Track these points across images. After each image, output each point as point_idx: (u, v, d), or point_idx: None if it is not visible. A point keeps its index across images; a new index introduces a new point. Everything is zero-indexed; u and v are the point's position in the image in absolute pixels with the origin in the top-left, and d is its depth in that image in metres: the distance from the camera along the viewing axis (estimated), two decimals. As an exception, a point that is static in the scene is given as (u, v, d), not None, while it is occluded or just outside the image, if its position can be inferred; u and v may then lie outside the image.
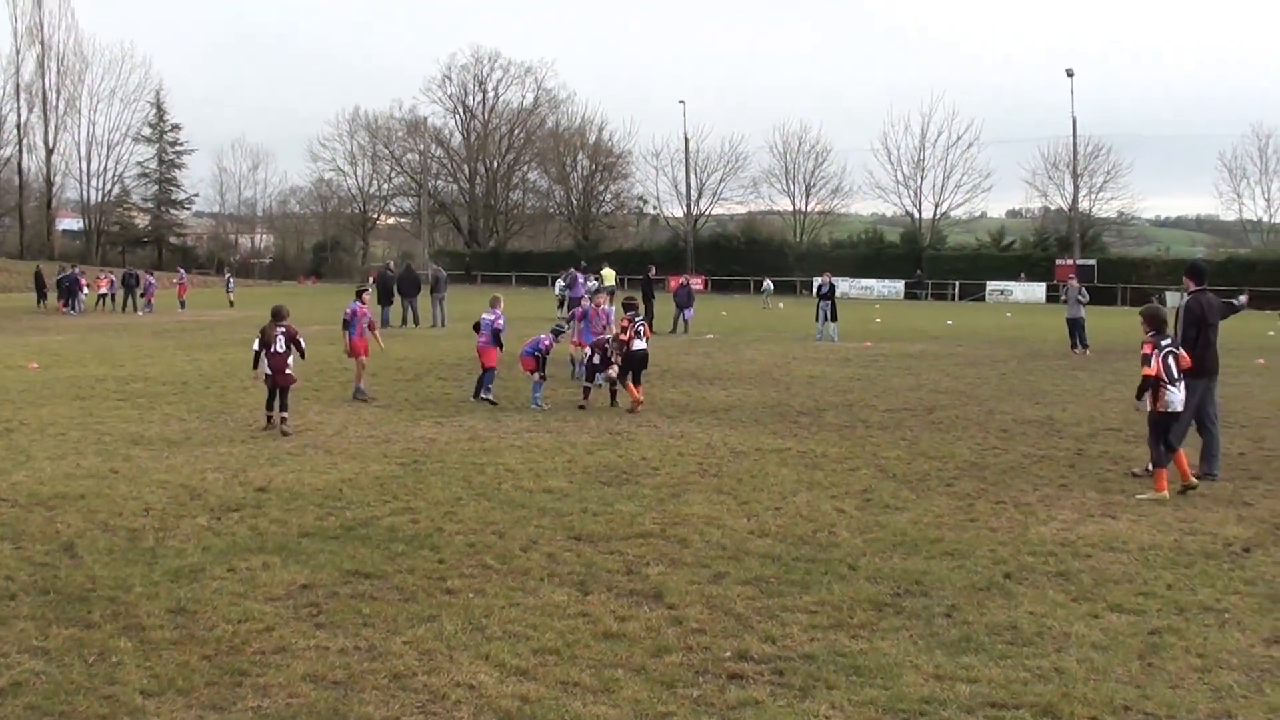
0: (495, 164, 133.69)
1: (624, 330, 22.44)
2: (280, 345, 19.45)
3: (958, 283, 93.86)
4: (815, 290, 45.63)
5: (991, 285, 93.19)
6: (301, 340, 20.16)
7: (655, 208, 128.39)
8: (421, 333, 44.03)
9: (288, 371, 19.44)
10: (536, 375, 22.85)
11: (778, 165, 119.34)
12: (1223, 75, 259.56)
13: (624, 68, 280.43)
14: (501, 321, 24.49)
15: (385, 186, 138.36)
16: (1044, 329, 48.92)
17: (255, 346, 19.82)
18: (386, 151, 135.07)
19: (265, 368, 19.38)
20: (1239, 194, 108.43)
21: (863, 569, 10.93)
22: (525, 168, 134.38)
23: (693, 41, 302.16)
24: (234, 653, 8.48)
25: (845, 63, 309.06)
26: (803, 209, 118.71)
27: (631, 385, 22.31)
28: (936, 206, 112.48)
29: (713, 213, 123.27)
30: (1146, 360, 15.02)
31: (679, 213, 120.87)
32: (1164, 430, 14.90)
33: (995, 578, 10.71)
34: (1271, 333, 47.04)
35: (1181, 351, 15.21)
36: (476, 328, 24.43)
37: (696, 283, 73.62)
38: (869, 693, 7.82)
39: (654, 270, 47.82)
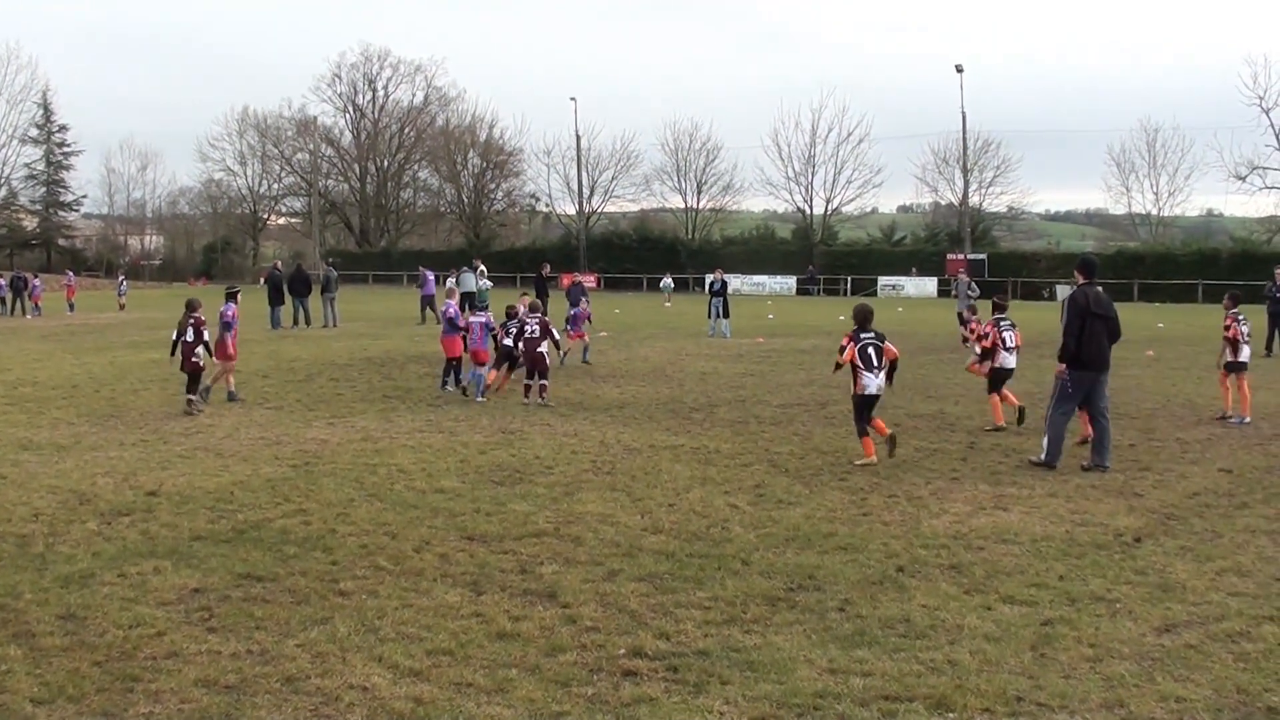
0: (386, 163, 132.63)
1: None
2: (190, 335, 21.50)
3: (850, 278, 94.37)
4: (707, 287, 45.70)
5: (883, 280, 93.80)
6: (205, 332, 21.77)
7: (547, 205, 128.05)
8: (313, 333, 43.63)
9: (194, 359, 21.44)
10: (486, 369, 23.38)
11: (669, 163, 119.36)
12: (1112, 72, 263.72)
13: (514, 65, 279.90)
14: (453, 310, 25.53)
15: (275, 186, 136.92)
16: (935, 323, 49.37)
17: (174, 336, 21.89)
18: (276, 151, 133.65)
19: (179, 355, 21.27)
20: (1128, 188, 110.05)
21: (756, 564, 10.99)
22: (416, 166, 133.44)
23: (583, 39, 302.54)
24: (125, 659, 8.37)
25: (735, 60, 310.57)
26: (695, 206, 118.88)
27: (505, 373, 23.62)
28: (828, 202, 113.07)
29: (605, 210, 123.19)
30: (841, 349, 16.88)
31: (571, 210, 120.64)
32: (862, 410, 16.66)
33: (888, 571, 10.81)
34: (1161, 325, 47.80)
35: (887, 344, 16.79)
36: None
37: (590, 281, 73.59)
38: (763, 688, 7.86)
39: (548, 268, 47.66)
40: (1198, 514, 13.35)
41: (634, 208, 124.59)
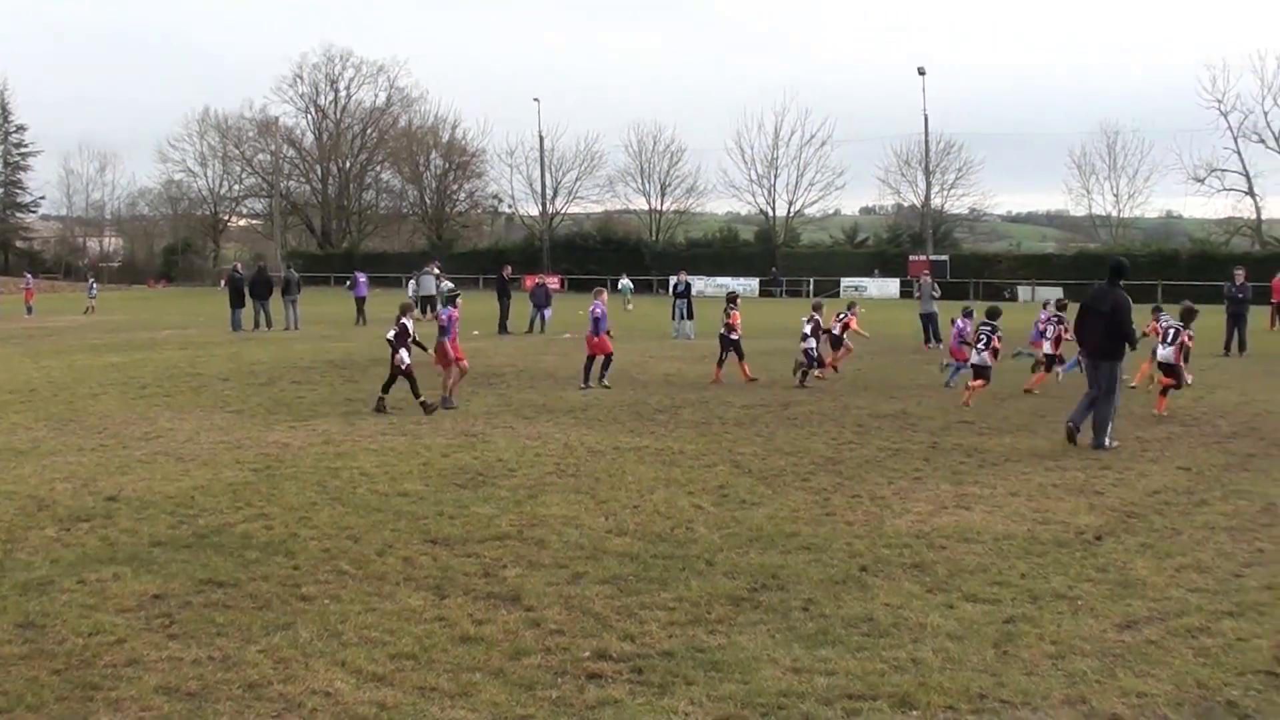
0: (348, 164, 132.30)
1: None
2: (391, 335, 22.23)
3: (812, 280, 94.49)
4: (671, 289, 45.75)
5: (846, 282, 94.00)
6: (400, 334, 22.17)
7: (510, 207, 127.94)
8: (274, 336, 43.46)
9: (396, 360, 21.99)
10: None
11: (633, 164, 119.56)
12: (1073, 75, 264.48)
13: (477, 65, 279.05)
14: (600, 310, 26.35)
15: (236, 188, 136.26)
16: (898, 324, 49.48)
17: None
18: (237, 152, 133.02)
19: None
20: (1088, 190, 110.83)
21: (720, 565, 11.00)
22: (378, 167, 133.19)
23: (546, 40, 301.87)
24: (85, 666, 8.30)
25: (698, 62, 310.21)
26: (658, 208, 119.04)
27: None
28: (790, 204, 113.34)
29: (569, 212, 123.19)
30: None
31: (534, 212, 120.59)
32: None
33: (851, 570, 10.83)
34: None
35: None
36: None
37: (553, 282, 73.53)
38: (727, 688, 7.86)
39: (509, 270, 47.67)
40: (1158, 511, 13.43)
41: (598, 209, 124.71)
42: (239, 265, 55.65)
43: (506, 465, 16.22)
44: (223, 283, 46.03)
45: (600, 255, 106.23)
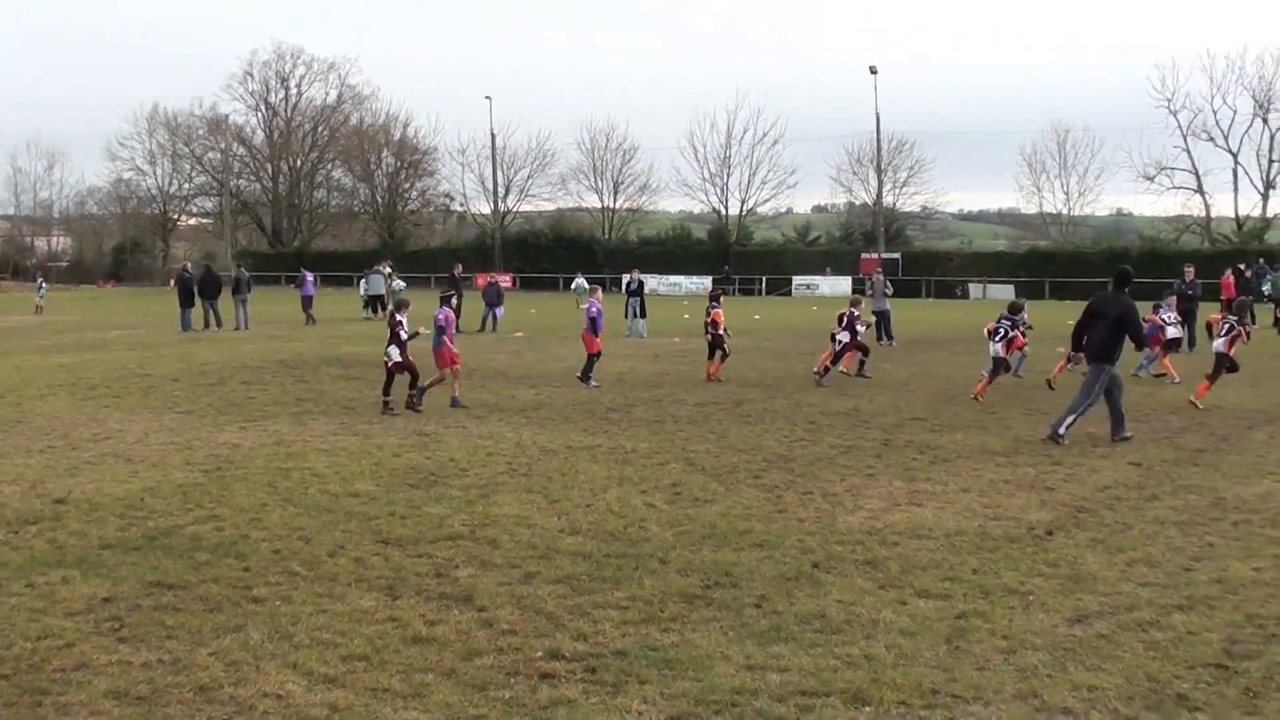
0: (299, 162, 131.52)
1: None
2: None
3: (764, 278, 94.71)
4: (624, 287, 45.71)
5: (798, 280, 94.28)
6: (399, 333, 22.07)
7: (462, 205, 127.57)
8: (224, 335, 43.18)
9: (386, 359, 22.02)
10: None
11: (585, 162, 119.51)
12: (1024, 74, 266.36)
13: (428, 63, 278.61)
14: (596, 309, 26.60)
15: (186, 186, 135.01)
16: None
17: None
18: (187, 150, 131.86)
19: None
20: (1039, 188, 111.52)
21: (673, 562, 11.00)
22: (329, 166, 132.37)
23: (498, 37, 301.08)
24: (34, 671, 8.22)
25: (651, 61, 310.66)
26: (611, 206, 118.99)
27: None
28: (743, 203, 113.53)
29: (521, 210, 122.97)
30: None
31: (486, 210, 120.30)
32: None
33: (804, 567, 10.86)
34: (1071, 322, 48.18)
35: None
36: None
37: (505, 281, 73.45)
38: (681, 685, 7.87)
39: (460, 268, 47.51)
40: (1108, 506, 13.53)
41: (550, 207, 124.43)
42: (188, 265, 55.22)
43: (459, 465, 16.18)
44: (172, 282, 45.74)
45: (553, 253, 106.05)
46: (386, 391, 21.79)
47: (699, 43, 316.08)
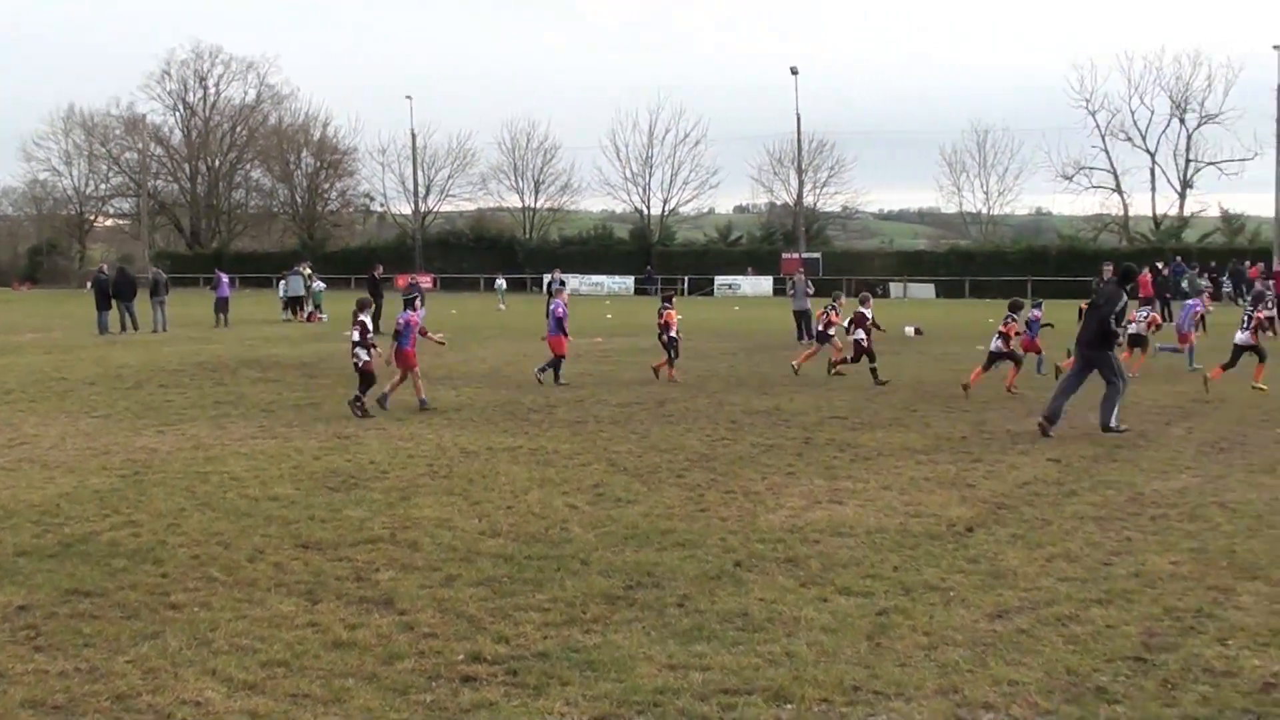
0: (217, 162, 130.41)
1: None
2: (355, 335, 21.66)
3: (686, 278, 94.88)
4: (545, 287, 45.68)
5: (720, 280, 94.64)
6: (362, 334, 21.65)
7: (382, 205, 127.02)
8: (142, 338, 42.75)
9: (353, 359, 21.66)
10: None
11: (506, 162, 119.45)
12: (945, 75, 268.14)
13: (348, 62, 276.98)
14: (562, 310, 26.94)
15: (103, 187, 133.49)
16: (771, 321, 49.84)
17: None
18: (104, 150, 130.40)
19: None
20: (959, 188, 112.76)
21: (595, 564, 10.97)
22: (248, 166, 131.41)
23: (418, 35, 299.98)
24: (-55, 681, 8.08)
25: (573, 61, 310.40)
26: (532, 205, 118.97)
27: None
28: (665, 203, 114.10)
29: (441, 210, 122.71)
30: None
31: (407, 210, 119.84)
32: None
33: (726, 566, 10.86)
34: (991, 320, 48.49)
35: None
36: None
37: (425, 281, 73.12)
38: (603, 686, 7.84)
39: (381, 269, 47.23)
40: (1028, 503, 13.65)
41: (471, 207, 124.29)
42: (104, 266, 54.57)
43: (379, 467, 16.07)
44: (89, 285, 45.14)
45: (473, 253, 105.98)
46: (363, 392, 21.57)
47: (621, 41, 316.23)
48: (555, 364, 26.46)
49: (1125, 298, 19.39)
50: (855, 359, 26.89)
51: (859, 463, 16.33)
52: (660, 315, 27.77)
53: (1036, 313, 28.03)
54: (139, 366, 31.01)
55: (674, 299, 28.88)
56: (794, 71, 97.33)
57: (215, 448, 17.73)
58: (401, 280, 63.84)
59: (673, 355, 27.47)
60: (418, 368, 22.91)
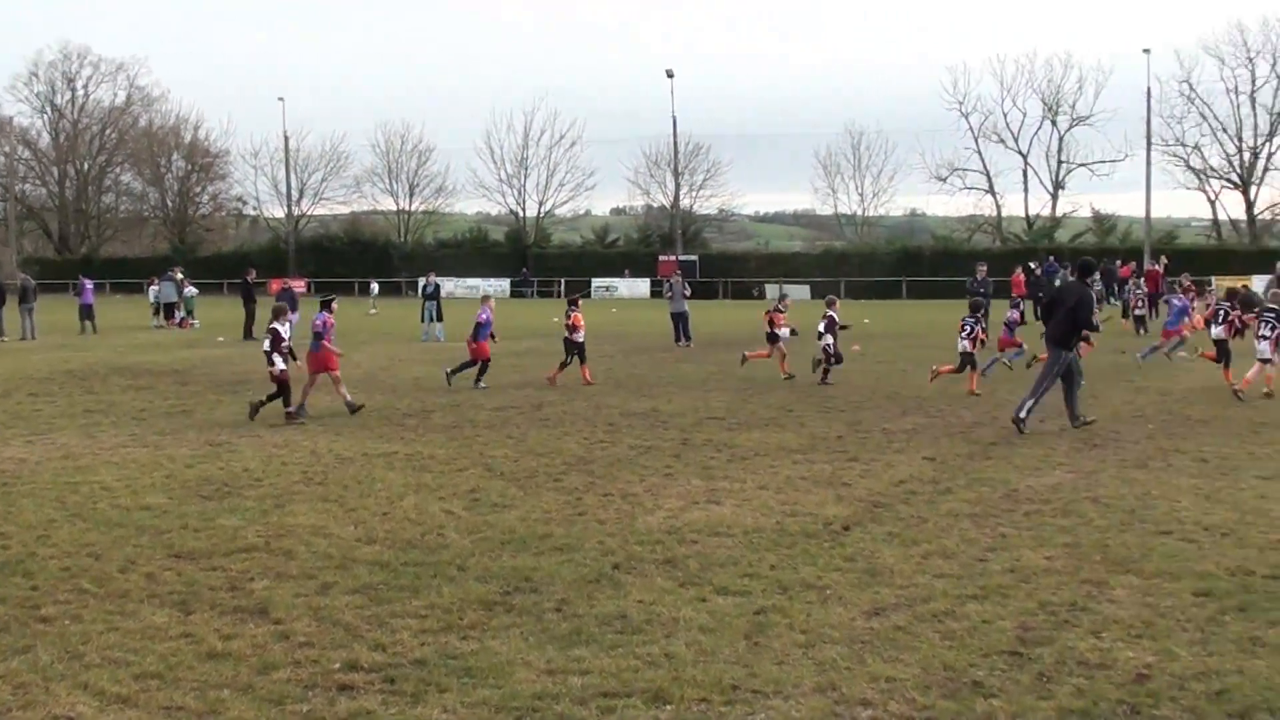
0: (86, 166, 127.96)
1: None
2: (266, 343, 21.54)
3: (563, 280, 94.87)
4: (420, 290, 45.42)
5: (597, 282, 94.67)
6: (274, 340, 21.54)
7: (255, 209, 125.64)
8: (9, 346, 41.87)
9: (269, 367, 21.48)
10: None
11: (380, 164, 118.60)
12: (820, 77, 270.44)
13: (220, 64, 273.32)
14: (486, 316, 26.83)
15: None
16: (648, 323, 49.92)
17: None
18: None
19: None
20: (834, 189, 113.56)
21: (472, 569, 10.92)
22: (118, 169, 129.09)
23: (289, 39, 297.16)
24: None
25: (446, 62, 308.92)
26: (407, 208, 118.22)
27: None
28: (540, 205, 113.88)
29: (315, 213, 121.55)
30: None
31: (280, 213, 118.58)
32: None
33: (604, 569, 10.86)
34: (867, 320, 49.07)
35: None
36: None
37: (299, 285, 72.32)
38: (481, 693, 7.81)
39: (254, 273, 46.73)
40: (904, 501, 13.79)
41: (344, 210, 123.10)
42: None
43: (253, 475, 15.89)
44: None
45: (347, 257, 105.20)
46: (287, 403, 21.39)
47: (497, 42, 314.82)
48: (470, 365, 26.64)
49: (1091, 291, 20.13)
50: (828, 363, 26.91)
51: (736, 463, 16.41)
52: (568, 317, 27.64)
53: (1014, 314, 29.28)
54: (7, 375, 30.39)
55: (580, 301, 28.72)
56: (670, 74, 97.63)
57: (86, 457, 17.42)
58: (275, 284, 63.01)
59: (580, 358, 27.48)
60: (337, 370, 22.74)
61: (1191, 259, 69.90)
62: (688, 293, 40.17)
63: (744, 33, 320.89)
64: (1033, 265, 54.34)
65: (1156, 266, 52.98)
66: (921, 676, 8.02)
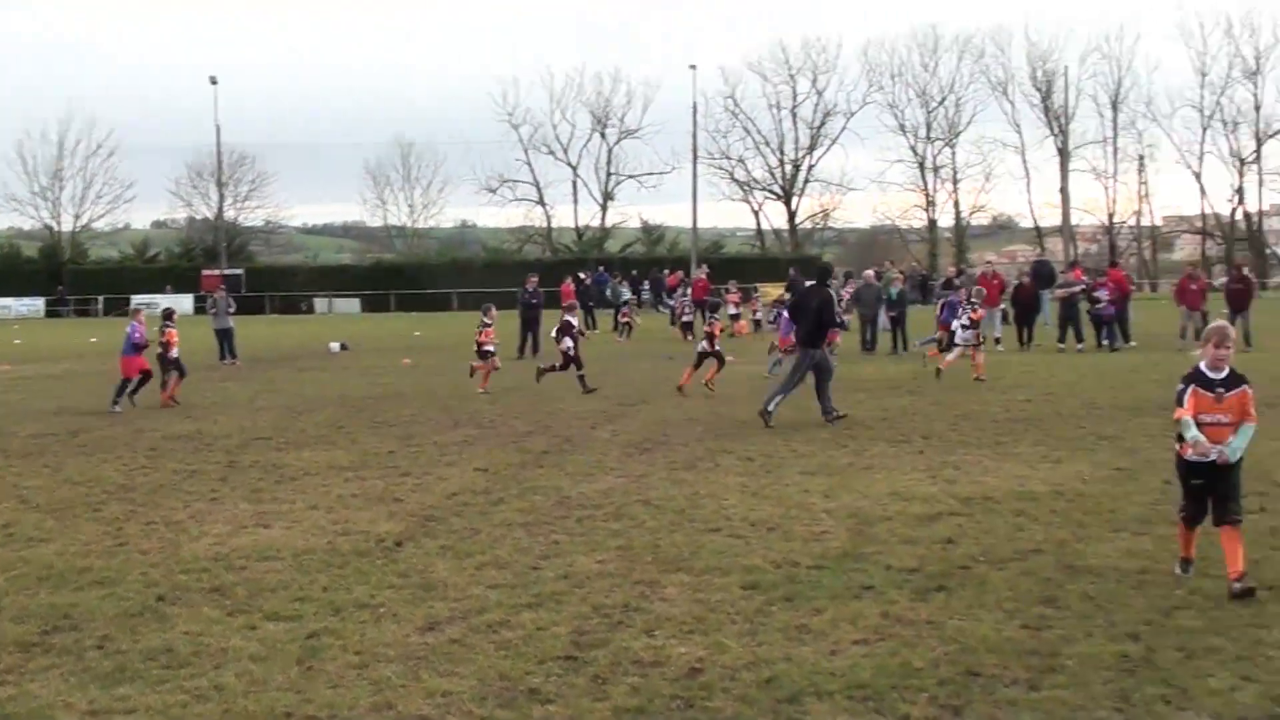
0: None
1: None
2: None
3: (102, 298, 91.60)
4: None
5: (137, 299, 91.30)
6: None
7: None
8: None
9: None
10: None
11: None
12: (369, 88, 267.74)
13: None
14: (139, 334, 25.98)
15: None
16: (192, 340, 48.44)
17: None
18: None
19: None
20: (384, 201, 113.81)
21: (7, 609, 10.29)
22: None
23: None
24: None
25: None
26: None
27: None
28: (77, 218, 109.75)
29: None
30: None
31: None
32: None
33: (149, 601, 10.42)
34: (418, 333, 49.16)
35: None
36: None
37: None
38: (16, 743, 7.38)
39: None
40: (456, 513, 13.78)
41: None
42: None
43: None
44: None
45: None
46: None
47: (28, 43, 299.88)
48: (139, 384, 25.81)
49: (831, 293, 22.03)
50: (563, 367, 26.46)
51: (285, 483, 16.08)
52: (162, 334, 26.71)
53: (954, 297, 31.63)
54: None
55: (175, 316, 28.03)
56: (213, 81, 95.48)
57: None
58: None
59: (180, 373, 27.19)
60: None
61: (737, 267, 72.95)
62: (232, 309, 39.28)
63: (292, 37, 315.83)
64: (582, 276, 55.59)
65: (702, 275, 54.87)
66: (478, 688, 8.00)
